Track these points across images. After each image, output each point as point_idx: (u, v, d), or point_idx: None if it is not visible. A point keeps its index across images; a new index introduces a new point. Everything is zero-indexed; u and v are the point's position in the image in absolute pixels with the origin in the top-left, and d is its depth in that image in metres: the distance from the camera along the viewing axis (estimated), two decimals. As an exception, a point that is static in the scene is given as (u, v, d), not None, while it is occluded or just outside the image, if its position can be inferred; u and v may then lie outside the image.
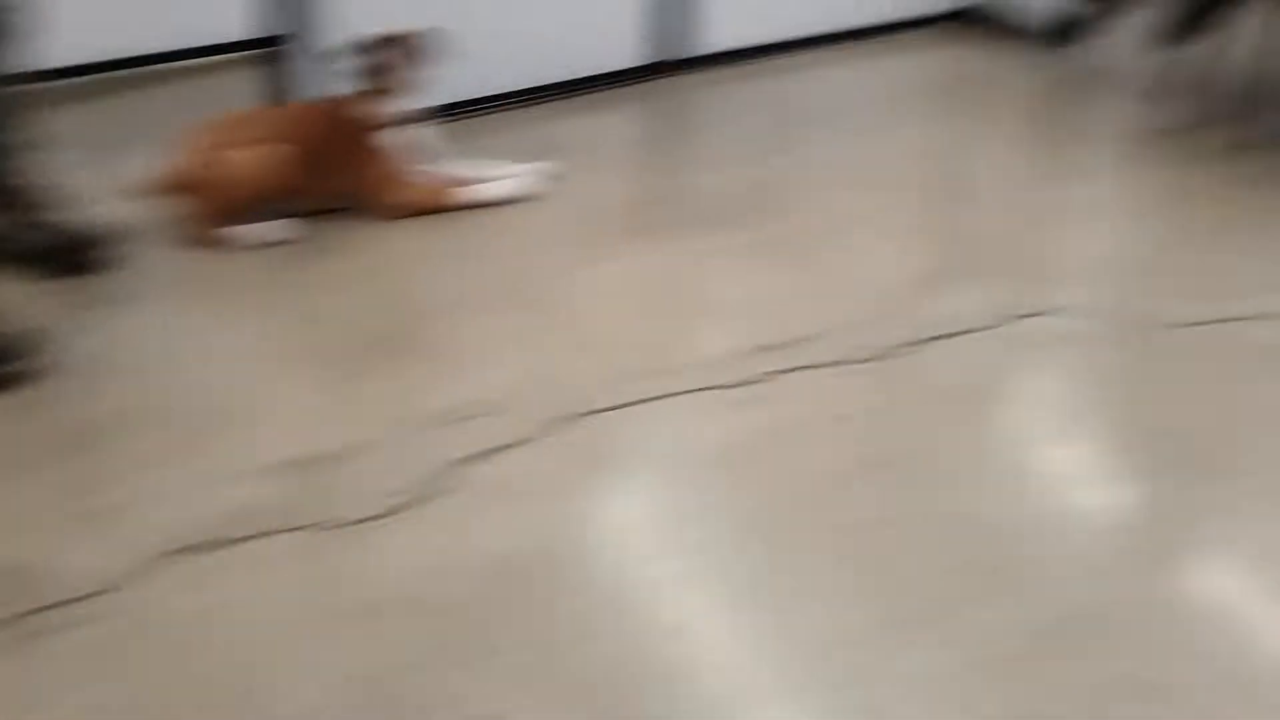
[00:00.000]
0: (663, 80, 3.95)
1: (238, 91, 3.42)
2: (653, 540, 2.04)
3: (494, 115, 3.66)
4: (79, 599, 1.83)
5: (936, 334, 2.58)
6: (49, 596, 1.83)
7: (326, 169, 2.90)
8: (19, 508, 2.07)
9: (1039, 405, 2.46)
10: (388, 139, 2.95)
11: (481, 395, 2.39)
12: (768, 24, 3.89)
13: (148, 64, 3.68)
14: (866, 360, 2.49)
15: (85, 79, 3.59)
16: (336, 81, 2.99)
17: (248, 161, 2.81)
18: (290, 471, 2.16)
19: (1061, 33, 4.01)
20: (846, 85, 4.07)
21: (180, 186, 2.82)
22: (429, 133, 3.07)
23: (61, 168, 2.71)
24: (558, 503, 2.07)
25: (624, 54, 3.66)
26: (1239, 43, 3.63)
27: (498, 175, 3.11)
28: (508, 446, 2.22)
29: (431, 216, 3.06)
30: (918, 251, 3.04)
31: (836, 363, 2.47)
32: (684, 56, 3.76)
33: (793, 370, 2.43)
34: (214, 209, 2.82)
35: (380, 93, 2.93)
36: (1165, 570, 1.95)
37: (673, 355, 2.56)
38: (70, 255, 2.62)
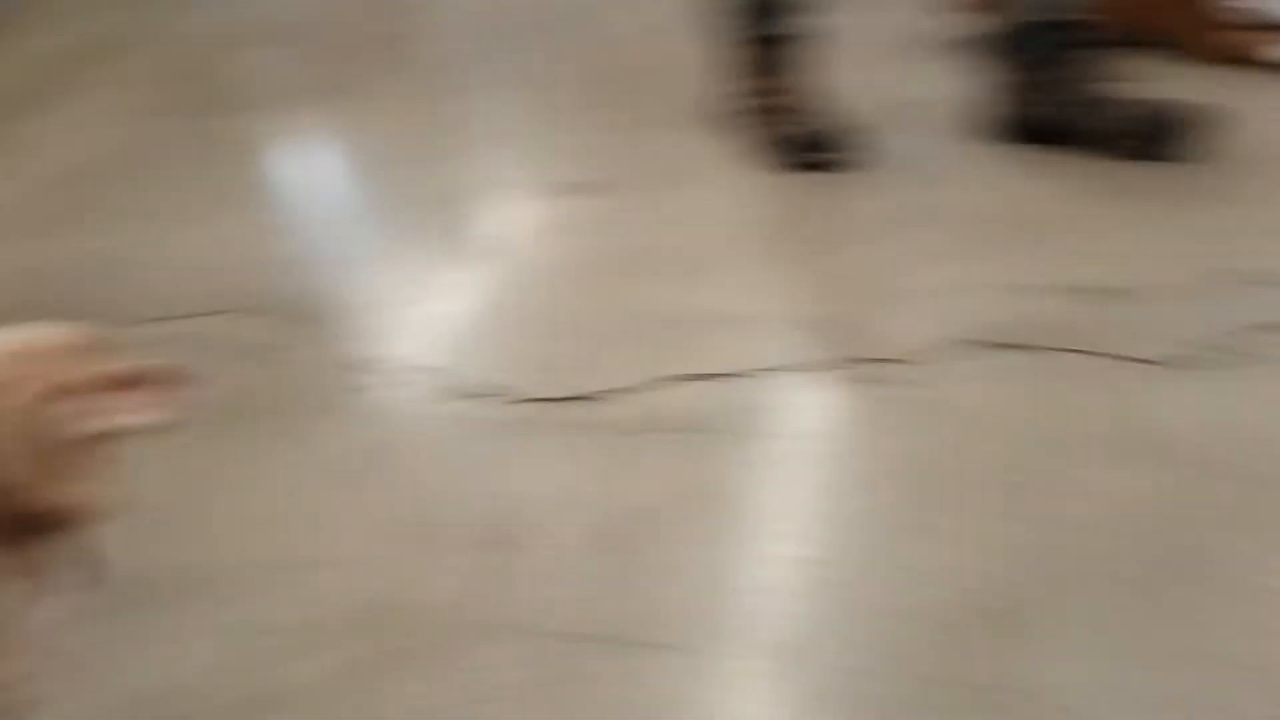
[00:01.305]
0: None
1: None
2: None
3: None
4: (886, 360, 2.13)
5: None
6: (863, 352, 2.15)
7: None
8: (847, 275, 2.43)
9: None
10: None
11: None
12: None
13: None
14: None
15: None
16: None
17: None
18: (1085, 296, 2.25)
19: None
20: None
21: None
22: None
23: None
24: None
25: None
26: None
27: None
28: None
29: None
30: None
31: None
32: None
33: None
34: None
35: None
36: None
37: None
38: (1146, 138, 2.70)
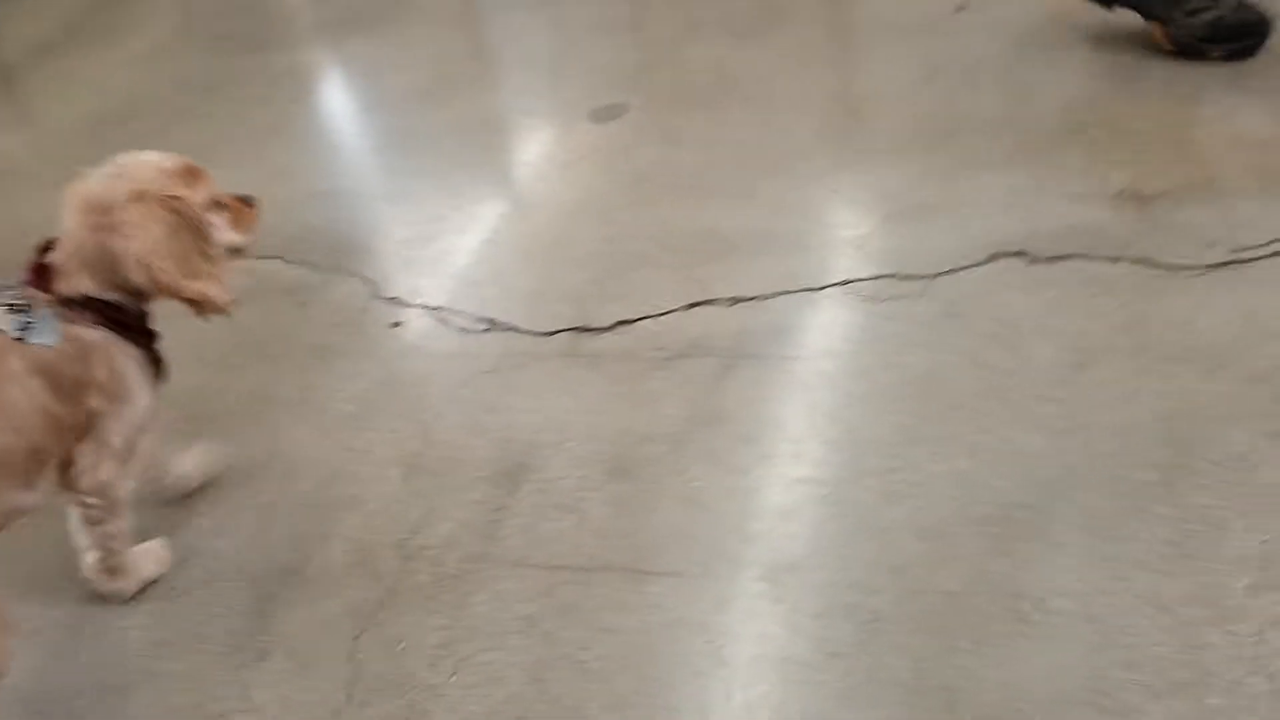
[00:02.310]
0: None
1: None
2: None
3: None
4: (919, 277, 2.13)
5: None
6: (896, 269, 2.12)
7: None
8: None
9: None
10: None
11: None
12: None
13: None
14: None
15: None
16: None
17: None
18: (1121, 202, 2.19)
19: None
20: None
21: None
22: None
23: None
24: None
25: None
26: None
27: None
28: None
29: None
30: None
31: None
32: None
33: None
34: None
35: None
36: None
37: None
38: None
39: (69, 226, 1.58)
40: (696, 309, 2.17)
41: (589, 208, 2.58)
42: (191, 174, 1.66)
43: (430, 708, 1.56)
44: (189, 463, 1.94)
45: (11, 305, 1.52)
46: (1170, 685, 1.40)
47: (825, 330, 2.08)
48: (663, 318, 2.16)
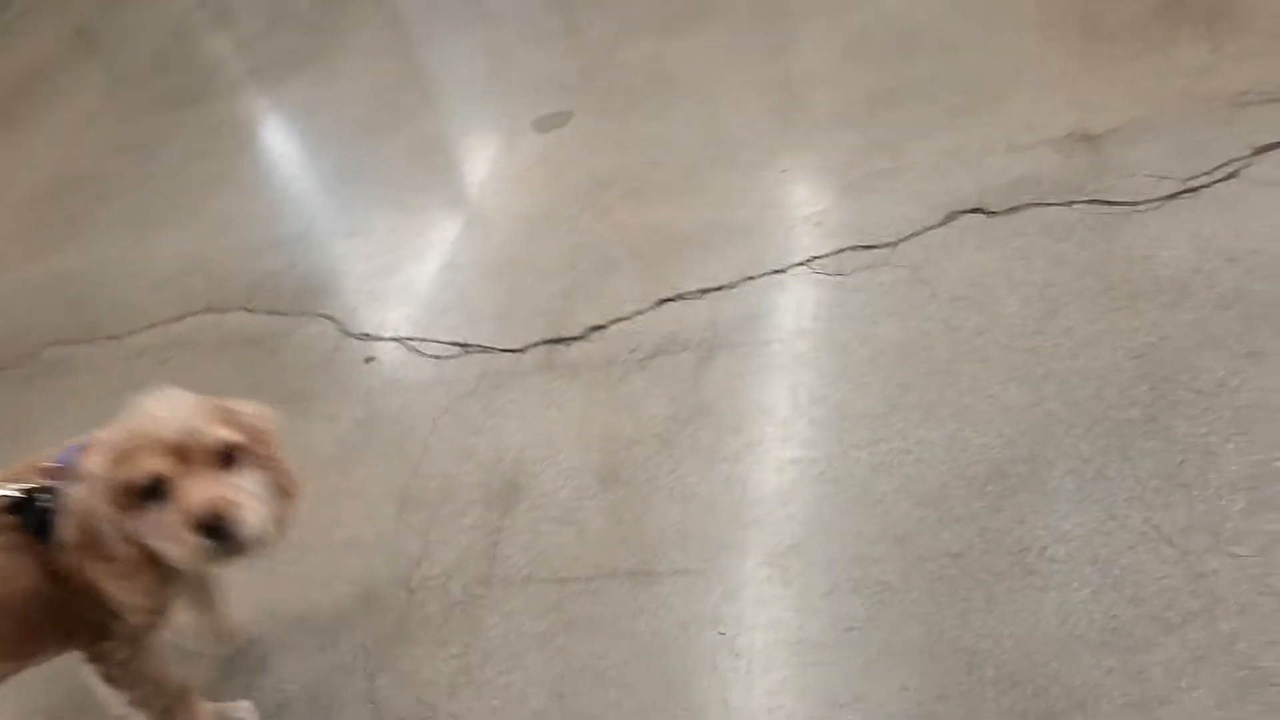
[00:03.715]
0: None
1: None
2: None
3: None
4: (880, 246, 2.14)
5: None
6: (846, 242, 2.14)
7: None
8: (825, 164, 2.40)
9: None
10: None
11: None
12: None
13: None
14: None
15: None
16: None
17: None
18: (1069, 146, 2.21)
19: None
20: None
21: None
22: None
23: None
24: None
25: None
26: None
27: None
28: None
29: None
30: None
31: None
32: None
33: None
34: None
35: None
36: None
37: None
38: None
39: None
40: (666, 305, 2.17)
41: (545, 219, 2.58)
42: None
43: (456, 737, 1.56)
44: None
45: None
46: (1182, 615, 1.42)
47: (796, 310, 2.09)
48: (634, 319, 2.17)
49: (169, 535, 1.27)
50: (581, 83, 3.10)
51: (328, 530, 1.93)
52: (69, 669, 1.48)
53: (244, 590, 1.84)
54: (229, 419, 1.35)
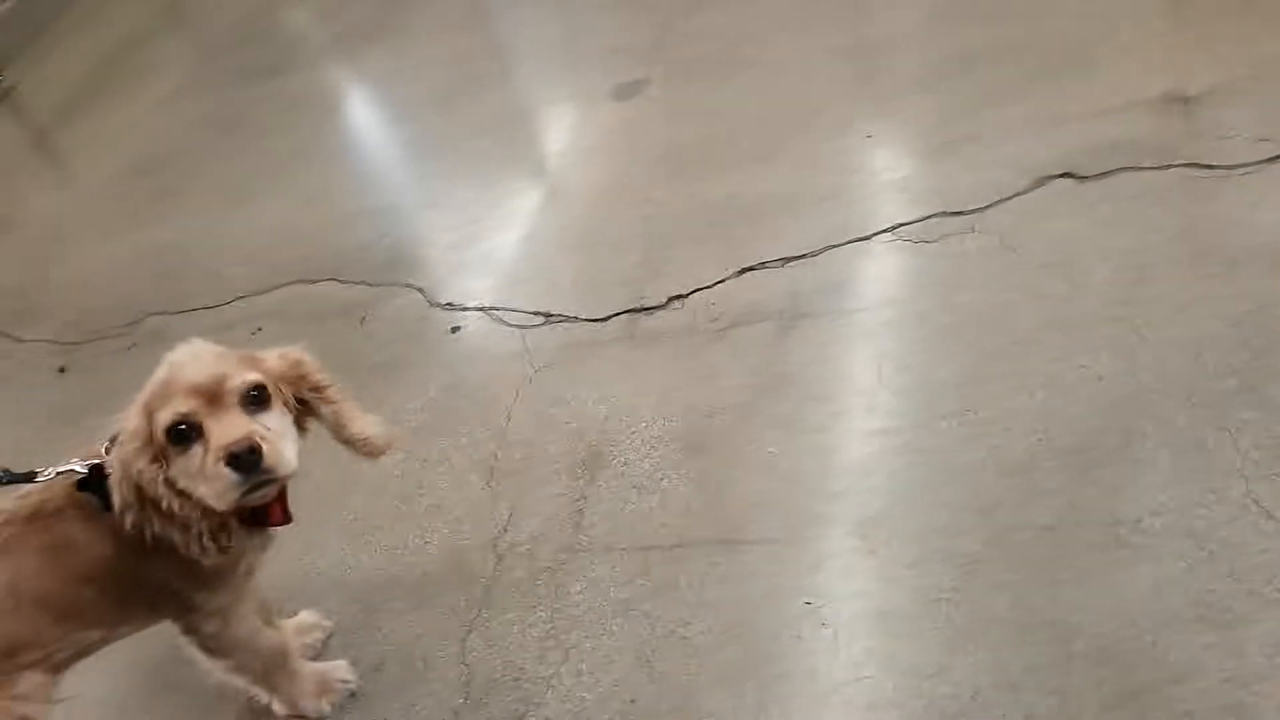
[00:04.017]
0: None
1: None
2: None
3: None
4: (967, 212, 2.12)
5: None
6: (943, 207, 2.12)
7: None
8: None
9: None
10: None
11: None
12: None
13: None
14: None
15: None
16: None
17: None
18: (1163, 108, 2.15)
19: None
20: None
21: None
22: None
23: None
24: None
25: None
26: None
27: None
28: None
29: None
30: None
31: None
32: None
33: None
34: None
35: None
36: None
37: None
38: None
39: None
40: (747, 274, 2.17)
41: (624, 188, 2.59)
42: None
43: (544, 699, 1.59)
44: None
45: None
46: None
47: (879, 279, 2.07)
48: (715, 288, 2.17)
49: (201, 473, 1.32)
50: (655, 50, 3.09)
51: (417, 497, 1.98)
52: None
53: (339, 555, 1.92)
54: (253, 364, 1.40)
